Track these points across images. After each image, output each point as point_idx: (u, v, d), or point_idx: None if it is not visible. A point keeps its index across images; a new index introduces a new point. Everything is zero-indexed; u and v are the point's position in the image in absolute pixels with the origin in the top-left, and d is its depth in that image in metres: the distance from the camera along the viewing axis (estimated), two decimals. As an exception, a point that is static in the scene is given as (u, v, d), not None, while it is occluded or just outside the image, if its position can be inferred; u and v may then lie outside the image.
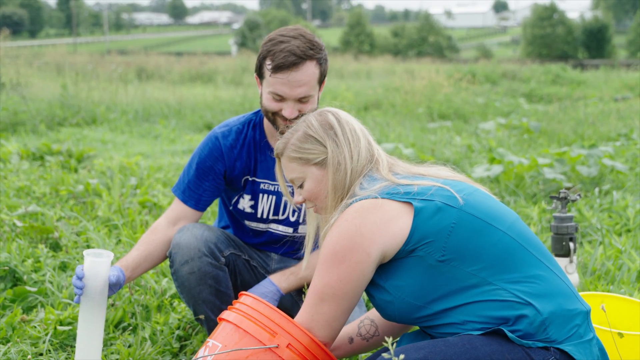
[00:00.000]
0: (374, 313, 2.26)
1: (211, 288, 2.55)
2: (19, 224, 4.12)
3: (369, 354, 2.57)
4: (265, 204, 2.70)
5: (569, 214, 3.04)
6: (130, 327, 2.98)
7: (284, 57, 2.41)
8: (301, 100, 2.46)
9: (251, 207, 2.71)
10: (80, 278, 2.27)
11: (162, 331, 2.90)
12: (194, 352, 2.81)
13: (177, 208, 2.68)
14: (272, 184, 2.69)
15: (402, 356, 1.67)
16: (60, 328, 2.82)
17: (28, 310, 3.16)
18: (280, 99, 2.47)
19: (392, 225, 1.86)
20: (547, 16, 43.65)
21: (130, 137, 9.42)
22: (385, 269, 1.91)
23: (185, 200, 2.68)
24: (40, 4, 78.99)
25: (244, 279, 2.74)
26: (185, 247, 2.53)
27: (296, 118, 2.42)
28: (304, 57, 2.43)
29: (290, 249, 2.79)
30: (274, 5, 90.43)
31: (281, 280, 2.62)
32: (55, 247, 4.00)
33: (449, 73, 19.05)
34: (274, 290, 2.60)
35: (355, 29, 47.57)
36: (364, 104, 13.49)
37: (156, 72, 20.74)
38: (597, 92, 16.72)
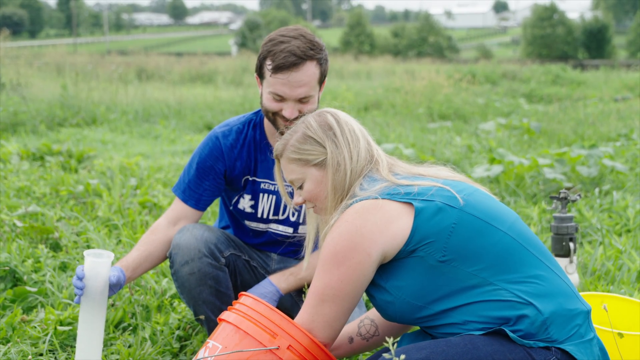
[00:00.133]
0: (374, 313, 2.26)
1: (211, 288, 2.55)
2: (19, 224, 4.12)
3: (369, 353, 2.57)
4: (265, 204, 2.70)
5: (569, 214, 3.04)
6: (131, 327, 2.98)
7: (284, 58, 2.41)
8: (301, 100, 2.46)
9: (251, 207, 2.71)
10: (80, 278, 2.27)
11: (162, 331, 2.90)
12: (194, 353, 2.81)
13: (178, 208, 2.68)
14: (273, 184, 2.69)
15: (403, 356, 1.67)
16: (60, 328, 2.82)
17: (28, 310, 3.16)
18: (281, 99, 2.46)
19: (393, 226, 1.86)
20: (547, 16, 43.66)
21: (131, 138, 9.42)
22: (385, 269, 1.91)
23: (185, 200, 2.68)
24: (40, 5, 79.01)
25: (244, 279, 2.74)
26: (186, 248, 2.53)
27: (296, 118, 2.42)
28: (304, 58, 2.43)
29: (291, 249, 2.78)
30: (274, 5, 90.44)
31: (281, 280, 2.62)
32: (56, 247, 4.00)
33: (449, 73, 19.06)
34: (273, 291, 2.60)
35: (355, 29, 47.57)
36: (364, 104, 13.49)
37: (156, 72, 20.74)
38: (597, 93, 16.72)
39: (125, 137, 9.39)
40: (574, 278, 3.01)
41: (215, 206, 4.71)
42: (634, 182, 5.72)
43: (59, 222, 4.32)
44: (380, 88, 16.29)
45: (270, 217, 2.72)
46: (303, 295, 2.59)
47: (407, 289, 1.89)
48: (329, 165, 2.00)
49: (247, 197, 2.70)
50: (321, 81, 2.52)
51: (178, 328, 2.96)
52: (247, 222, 2.75)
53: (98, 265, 2.29)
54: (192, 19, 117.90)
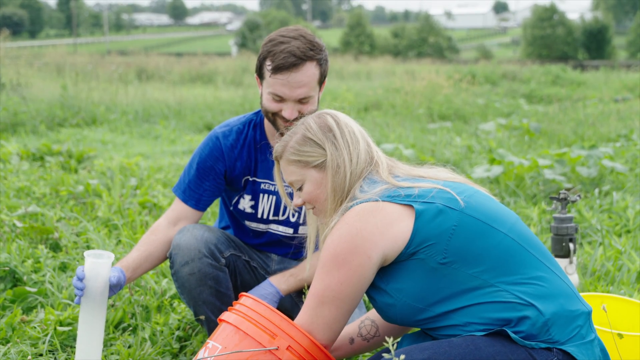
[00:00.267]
0: (374, 313, 2.26)
1: (211, 289, 2.55)
2: (19, 224, 4.12)
3: (369, 354, 2.58)
4: (265, 204, 2.70)
5: (568, 215, 3.04)
6: (130, 328, 2.98)
7: (284, 58, 2.41)
8: (301, 101, 2.46)
9: (251, 207, 2.71)
10: (80, 279, 2.27)
11: (162, 332, 2.90)
12: (193, 353, 2.81)
13: (178, 208, 2.68)
14: (273, 184, 2.69)
15: (403, 356, 1.67)
16: (60, 329, 2.82)
17: (28, 310, 3.16)
18: (280, 99, 2.46)
19: (393, 228, 1.86)
20: (547, 17, 43.68)
21: (131, 138, 9.42)
22: (386, 271, 1.91)
23: (185, 200, 2.68)
24: (41, 5, 79.03)
25: (244, 279, 2.74)
26: (186, 248, 2.53)
27: (296, 119, 2.42)
28: (304, 58, 2.43)
29: (291, 250, 2.78)
30: (274, 6, 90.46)
31: (281, 281, 2.62)
32: (55, 247, 4.00)
33: (449, 74, 19.06)
34: (273, 292, 2.60)
35: (355, 29, 47.59)
36: (364, 104, 13.50)
37: (156, 72, 20.74)
38: (597, 93, 16.72)
39: (125, 138, 9.39)
40: (574, 279, 3.01)
41: (215, 206, 4.71)
42: (633, 183, 5.72)
43: (58, 223, 4.32)
44: (380, 88, 16.29)
45: (271, 217, 2.72)
46: (303, 296, 2.59)
47: (408, 292, 1.88)
48: (329, 167, 2.00)
49: (247, 197, 2.70)
50: (321, 82, 2.52)
51: (178, 328, 2.96)
52: (247, 223, 2.75)
53: (98, 266, 2.29)
54: (192, 19, 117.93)
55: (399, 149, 7.16)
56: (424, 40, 46.88)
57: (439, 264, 1.85)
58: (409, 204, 1.88)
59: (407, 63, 30.79)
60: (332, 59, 26.62)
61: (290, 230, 2.74)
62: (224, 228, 2.87)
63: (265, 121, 2.66)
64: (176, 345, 2.84)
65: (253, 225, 2.75)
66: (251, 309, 1.99)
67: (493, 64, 26.05)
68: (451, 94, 14.37)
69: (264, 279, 2.76)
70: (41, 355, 2.72)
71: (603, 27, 42.56)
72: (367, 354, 2.61)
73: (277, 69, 2.42)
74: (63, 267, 3.64)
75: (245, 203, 2.71)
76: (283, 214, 2.71)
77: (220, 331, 2.03)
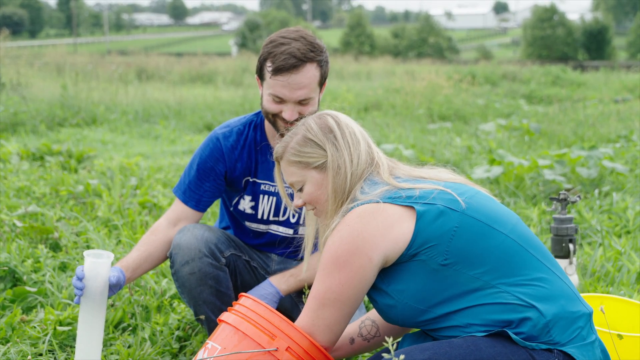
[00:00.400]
0: (374, 314, 2.26)
1: (212, 289, 2.55)
2: (18, 224, 4.12)
3: (369, 354, 2.57)
4: (265, 205, 2.70)
5: (568, 216, 3.04)
6: (130, 328, 2.98)
7: (284, 60, 2.41)
8: (301, 102, 2.46)
9: (252, 208, 2.71)
10: (80, 279, 2.27)
11: (161, 332, 2.90)
12: (193, 353, 2.81)
13: (178, 209, 2.68)
14: (273, 185, 2.68)
15: (402, 357, 1.67)
16: (59, 328, 2.82)
17: (28, 310, 3.16)
18: (280, 101, 2.46)
19: (395, 230, 1.85)
20: (547, 17, 43.68)
21: (130, 138, 9.42)
22: (387, 273, 1.91)
23: (185, 201, 2.68)
24: (41, 4, 79.03)
25: (244, 279, 2.74)
26: (186, 248, 2.53)
27: (296, 120, 2.42)
28: (304, 60, 2.42)
29: (291, 250, 2.78)
30: (275, 6, 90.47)
31: (281, 282, 2.62)
32: (55, 247, 4.00)
33: (449, 74, 19.07)
34: (273, 292, 2.60)
35: (355, 30, 47.59)
36: (364, 105, 13.50)
37: (156, 72, 20.74)
38: (597, 94, 16.72)
39: (125, 138, 9.39)
40: (574, 279, 3.01)
41: (215, 207, 4.71)
42: (633, 184, 5.72)
43: (58, 222, 4.32)
44: (380, 89, 16.29)
45: (271, 218, 2.72)
46: (303, 296, 2.59)
47: (409, 293, 1.88)
48: (330, 168, 1.99)
49: (248, 198, 2.70)
50: (321, 83, 2.52)
51: (178, 328, 2.96)
52: (247, 223, 2.75)
53: (98, 266, 2.29)
54: (192, 19, 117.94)
55: (399, 149, 7.16)
56: (424, 41, 46.89)
57: (440, 265, 1.85)
58: (410, 206, 1.88)
59: (407, 63, 30.79)
60: (332, 59, 26.61)
61: (290, 231, 2.74)
62: (225, 228, 2.87)
63: (266, 122, 2.66)
64: (176, 345, 2.84)
65: (253, 225, 2.75)
66: (250, 310, 1.99)
67: (493, 65, 26.06)
68: (451, 94, 14.38)
69: (264, 279, 2.76)
70: (41, 355, 2.72)
71: (603, 27, 42.57)
72: (367, 354, 2.61)
73: (277, 71, 2.42)
74: (63, 267, 3.64)
75: (246, 204, 2.71)
76: (283, 215, 2.71)
77: (220, 332, 2.03)
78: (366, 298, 3.05)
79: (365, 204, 1.90)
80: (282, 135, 2.35)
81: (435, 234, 1.85)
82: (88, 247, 3.92)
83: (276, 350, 1.90)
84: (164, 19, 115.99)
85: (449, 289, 1.85)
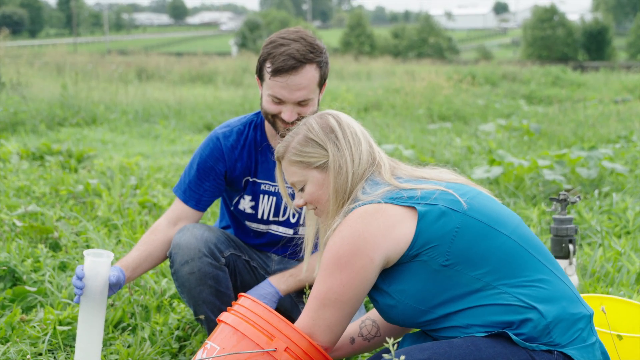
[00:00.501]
0: (375, 313, 2.26)
1: (211, 288, 2.55)
2: (18, 223, 4.12)
3: (368, 354, 2.57)
4: (265, 205, 2.70)
5: (568, 216, 3.04)
6: (130, 328, 2.98)
7: (283, 61, 2.41)
8: (300, 103, 2.46)
9: (252, 207, 2.71)
10: (80, 278, 2.27)
11: (161, 331, 2.90)
12: (193, 353, 2.81)
13: (178, 208, 2.68)
14: (273, 185, 2.69)
15: (403, 357, 1.67)
16: (59, 328, 2.81)
17: (27, 310, 3.16)
18: (280, 101, 2.46)
19: (396, 231, 1.85)
20: (548, 18, 43.68)
21: (130, 138, 9.42)
22: (388, 273, 1.91)
23: (186, 201, 2.68)
24: (41, 4, 79.04)
25: (244, 279, 2.74)
26: (186, 248, 2.53)
27: (296, 121, 2.42)
28: (304, 61, 2.42)
29: (291, 251, 2.78)
30: (275, 6, 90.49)
31: (280, 282, 2.62)
32: (55, 247, 4.00)
33: (449, 74, 19.07)
34: (272, 292, 2.60)
35: (355, 30, 47.59)
36: (364, 105, 13.50)
37: (156, 72, 20.74)
38: (597, 94, 16.73)
39: (125, 137, 9.39)
40: (574, 280, 3.01)
41: (215, 207, 4.71)
42: (633, 184, 5.72)
43: (58, 222, 4.32)
44: (380, 89, 16.29)
45: (271, 218, 2.72)
46: (303, 296, 2.59)
47: (410, 293, 1.88)
48: (331, 168, 1.99)
49: (248, 198, 2.70)
50: (321, 84, 2.52)
51: (177, 328, 2.96)
52: (247, 223, 2.76)
53: (98, 265, 2.29)
54: (192, 19, 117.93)
55: (398, 149, 7.16)
56: (424, 41, 46.88)
57: (442, 266, 1.84)
58: (411, 206, 1.87)
59: (407, 63, 30.79)
60: (332, 59, 26.62)
61: (290, 231, 2.74)
62: (225, 228, 2.87)
63: (266, 122, 2.66)
64: (175, 345, 2.84)
65: (253, 225, 2.75)
66: (249, 310, 1.99)
67: (493, 65, 26.07)
68: (451, 94, 14.38)
69: (264, 278, 2.76)
70: (40, 354, 2.72)
71: (603, 28, 42.57)
72: (367, 354, 2.61)
73: (276, 72, 2.42)
74: (63, 267, 3.64)
75: (246, 203, 2.71)
76: (283, 215, 2.71)
77: (219, 332, 2.03)
78: (367, 298, 3.05)
79: (367, 205, 1.89)
80: (282, 136, 2.35)
81: (436, 235, 1.84)
82: (88, 247, 3.92)
83: (275, 350, 1.90)
84: (164, 18, 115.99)
85: (450, 290, 1.85)
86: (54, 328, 2.83)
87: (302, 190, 2.06)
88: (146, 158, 7.50)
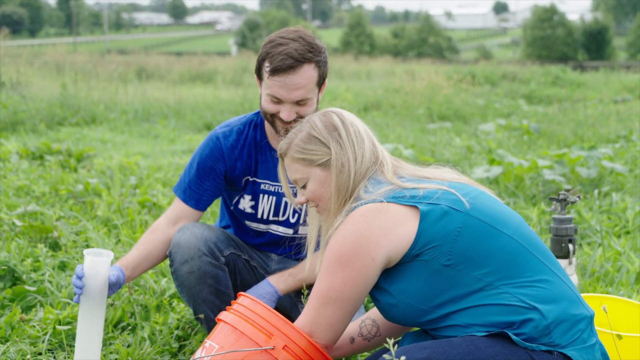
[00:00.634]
0: (375, 313, 2.26)
1: (211, 287, 2.55)
2: (18, 223, 4.12)
3: (368, 354, 2.57)
4: (265, 205, 2.70)
5: (568, 216, 3.04)
6: (130, 327, 2.98)
7: (282, 60, 2.41)
8: (299, 103, 2.46)
9: (252, 207, 2.71)
10: (80, 277, 2.27)
11: (161, 331, 2.90)
12: (193, 352, 2.81)
13: (178, 207, 2.69)
14: (273, 185, 2.69)
15: (403, 358, 1.67)
16: (59, 327, 2.81)
17: (27, 309, 3.16)
18: (278, 101, 2.47)
19: (398, 230, 1.85)
20: (547, 18, 43.68)
21: (130, 137, 9.42)
22: (390, 272, 1.91)
23: (185, 200, 2.68)
24: (40, 3, 79.03)
25: (243, 278, 2.74)
26: (185, 247, 2.53)
27: (295, 120, 2.43)
28: (302, 61, 2.42)
29: (291, 250, 2.79)
30: (274, 5, 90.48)
31: (279, 281, 2.62)
32: (55, 246, 4.00)
33: (449, 74, 19.06)
34: (271, 292, 2.60)
35: (355, 29, 47.58)
36: (363, 104, 13.50)
37: (156, 72, 20.74)
38: (596, 94, 16.72)
39: (125, 137, 9.39)
40: (573, 279, 3.01)
41: (215, 206, 4.71)
42: (633, 184, 5.72)
43: (58, 222, 4.32)
44: (380, 89, 16.29)
45: (271, 218, 2.72)
46: (302, 296, 2.59)
47: (411, 293, 1.88)
48: (333, 166, 1.99)
49: (248, 197, 2.70)
50: (320, 83, 2.52)
51: (177, 328, 2.96)
52: (247, 223, 2.76)
53: (97, 265, 2.29)
54: (192, 19, 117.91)
55: (398, 149, 7.16)
56: (424, 41, 46.87)
57: (443, 265, 1.84)
58: (414, 205, 1.87)
59: (407, 63, 30.79)
60: (332, 58, 26.62)
61: (290, 231, 2.74)
62: (225, 227, 2.87)
63: (266, 122, 2.66)
64: (175, 345, 2.84)
65: (253, 225, 2.75)
66: (248, 309, 1.99)
67: (493, 65, 26.06)
68: (451, 94, 14.37)
69: (264, 278, 2.76)
70: (40, 354, 2.72)
71: (603, 28, 42.57)
72: (365, 353, 2.61)
73: (274, 71, 2.42)
74: (62, 266, 3.64)
75: (246, 203, 2.71)
76: (283, 215, 2.71)
77: (218, 331, 2.03)
78: (367, 297, 3.04)
79: (369, 203, 1.89)
80: (286, 132, 2.36)
81: (438, 234, 1.84)
82: (87, 246, 3.92)
83: (273, 348, 1.90)
84: (164, 18, 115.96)
85: (451, 290, 1.85)
86: (54, 328, 2.83)
87: (304, 187, 2.06)
88: (146, 157, 7.50)
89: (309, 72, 2.45)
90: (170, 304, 3.14)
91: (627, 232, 4.50)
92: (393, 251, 1.85)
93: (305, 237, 2.70)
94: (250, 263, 2.75)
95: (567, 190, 5.51)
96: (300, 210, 2.71)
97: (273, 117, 2.51)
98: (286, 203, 2.70)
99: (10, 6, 67.59)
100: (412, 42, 47.11)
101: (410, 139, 8.69)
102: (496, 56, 43.28)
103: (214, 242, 2.58)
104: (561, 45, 42.81)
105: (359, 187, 1.97)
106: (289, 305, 2.77)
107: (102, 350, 2.73)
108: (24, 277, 3.37)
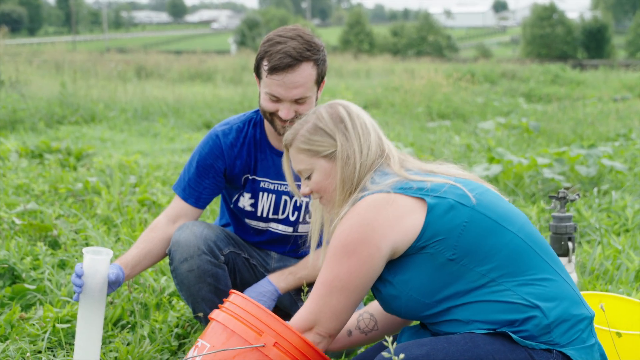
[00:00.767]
0: (373, 307, 2.26)
1: (210, 286, 2.55)
2: (17, 221, 4.12)
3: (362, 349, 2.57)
4: (265, 203, 2.70)
5: (567, 214, 3.04)
6: (129, 325, 2.98)
7: (280, 59, 2.41)
8: (298, 101, 2.46)
9: (251, 205, 2.71)
10: (79, 276, 2.27)
11: (160, 329, 2.90)
12: (192, 351, 2.81)
13: (177, 206, 2.68)
14: (272, 183, 2.68)
15: (402, 355, 1.67)
16: (58, 326, 2.81)
17: (27, 308, 3.16)
18: (277, 99, 2.47)
19: (405, 221, 1.85)
20: (547, 16, 43.66)
21: (129, 136, 9.42)
22: (394, 264, 1.90)
23: (185, 198, 2.68)
24: (40, 2, 78.92)
25: (243, 277, 2.74)
26: (185, 245, 2.53)
27: (293, 119, 2.43)
28: (300, 59, 2.42)
29: (291, 248, 2.79)
30: (274, 4, 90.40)
31: (279, 280, 2.62)
32: (54, 245, 4.00)
33: (448, 72, 19.06)
34: (272, 290, 2.60)
35: (354, 28, 47.56)
36: (363, 103, 13.48)
37: (155, 70, 20.74)
38: (596, 92, 16.72)
39: (124, 135, 9.39)
40: (573, 277, 3.00)
41: (214, 204, 4.71)
42: (632, 182, 5.72)
43: (57, 220, 4.32)
44: (380, 87, 16.29)
45: (270, 216, 2.72)
46: (302, 294, 2.59)
47: (414, 285, 1.88)
48: (339, 158, 1.99)
49: (247, 195, 2.70)
50: (319, 82, 2.52)
51: (177, 326, 2.96)
52: (247, 221, 2.76)
53: (97, 263, 2.29)
54: (192, 17, 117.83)
55: (398, 147, 7.15)
56: (423, 39, 46.85)
57: (448, 260, 1.84)
58: (421, 197, 1.87)
59: (406, 62, 30.79)
60: (332, 57, 26.61)
61: (290, 229, 2.74)
62: (225, 225, 2.87)
63: (265, 120, 2.66)
64: (175, 343, 2.84)
65: (253, 223, 2.75)
66: (239, 307, 1.98)
67: (492, 63, 26.06)
68: (450, 92, 14.37)
69: (264, 276, 2.76)
70: (40, 352, 2.72)
71: (602, 26, 42.55)
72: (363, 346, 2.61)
73: (272, 70, 2.42)
74: (62, 265, 3.64)
75: (245, 201, 2.71)
76: (282, 213, 2.71)
77: (210, 329, 2.03)
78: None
79: (376, 194, 1.89)
80: (285, 130, 2.35)
81: (444, 228, 1.84)
82: (87, 245, 3.92)
83: (263, 346, 1.89)
84: (163, 16, 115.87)
85: (454, 284, 1.85)
86: (53, 326, 2.83)
87: (308, 178, 2.05)
88: (145, 156, 7.50)
89: (307, 71, 2.44)
90: (170, 302, 3.14)
91: (627, 230, 4.51)
92: (399, 242, 1.85)
93: (305, 235, 2.71)
94: (249, 261, 2.75)
95: (567, 189, 5.51)
96: (300, 208, 2.71)
97: (272, 116, 2.51)
98: (286, 201, 2.70)
99: (10, 5, 67.53)
100: (412, 40, 47.09)
101: (410, 137, 8.69)
102: (495, 54, 43.29)
103: (213, 240, 2.58)
104: (560, 44, 42.79)
105: (365, 179, 1.97)
106: (289, 303, 2.77)
107: (101, 348, 2.73)
108: (24, 275, 3.37)
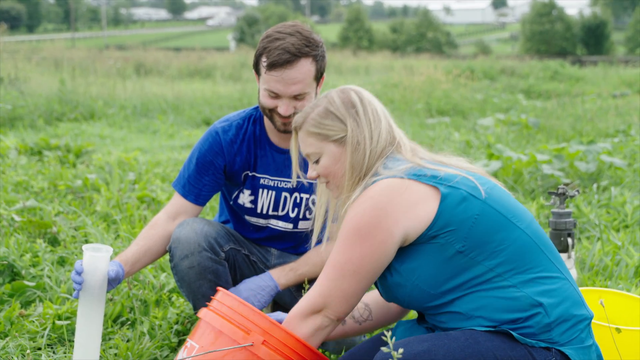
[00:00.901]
0: (368, 297, 2.25)
1: (211, 282, 2.55)
2: (17, 218, 4.12)
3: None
4: (265, 200, 2.70)
5: (567, 210, 3.04)
6: (129, 322, 2.98)
7: (278, 55, 2.41)
8: (297, 97, 2.46)
9: (251, 202, 2.71)
10: (79, 273, 2.27)
11: (160, 326, 2.91)
12: (192, 347, 2.81)
13: (177, 202, 2.68)
14: (272, 179, 2.68)
15: (401, 350, 1.67)
16: (58, 323, 2.82)
17: (26, 304, 3.16)
18: (276, 96, 2.46)
19: (418, 208, 1.84)
20: (546, 12, 43.66)
21: (129, 132, 9.42)
22: (402, 252, 1.89)
23: (185, 195, 2.67)
24: (38, -1, 78.80)
25: (243, 273, 2.74)
26: (185, 242, 2.53)
27: (292, 115, 2.43)
28: (299, 55, 2.42)
29: (291, 245, 2.79)
30: (273, 0, 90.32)
31: (280, 275, 2.62)
32: (54, 241, 4.00)
33: (448, 69, 19.06)
34: (272, 286, 2.60)
35: (354, 24, 47.54)
36: (362, 99, 13.47)
37: (154, 67, 20.72)
38: (595, 89, 16.73)
39: (124, 132, 9.39)
40: (572, 273, 3.01)
41: (214, 201, 4.71)
42: (632, 178, 5.72)
43: (57, 217, 4.32)
44: (379, 84, 16.28)
45: (270, 212, 2.72)
46: (303, 290, 2.59)
47: (421, 275, 1.87)
48: (349, 144, 1.97)
49: (247, 192, 2.70)
50: (318, 78, 2.52)
51: (176, 322, 2.96)
52: (247, 217, 2.75)
53: (97, 260, 2.29)
54: (191, 14, 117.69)
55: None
56: (423, 36, 46.84)
57: (457, 251, 1.83)
58: (434, 186, 1.86)
59: (405, 58, 30.76)
60: (331, 54, 26.58)
61: (290, 226, 2.74)
62: (224, 222, 2.86)
63: (265, 116, 2.66)
64: (175, 339, 2.84)
65: (253, 219, 2.75)
66: (224, 305, 1.96)
67: (491, 60, 26.03)
68: (450, 89, 14.37)
69: (264, 273, 2.75)
70: (40, 349, 2.72)
71: (602, 22, 42.56)
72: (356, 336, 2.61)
73: (271, 66, 2.42)
74: (61, 262, 3.64)
75: (245, 198, 2.71)
76: (282, 210, 2.71)
77: (198, 329, 2.01)
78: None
79: (390, 178, 1.88)
80: (280, 131, 2.34)
81: (457, 219, 1.83)
82: (87, 242, 3.92)
83: (252, 345, 1.88)
84: (162, 13, 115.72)
85: (460, 276, 1.84)
86: (53, 323, 2.83)
87: (316, 162, 2.04)
88: (145, 153, 7.50)
89: (306, 67, 2.44)
90: (170, 299, 3.14)
91: (626, 226, 4.51)
92: (411, 229, 1.84)
93: (305, 232, 2.71)
94: (250, 258, 2.75)
95: (566, 185, 5.51)
96: (300, 205, 2.70)
97: (271, 112, 2.51)
98: (286, 198, 2.70)
99: (8, 2, 67.42)
100: (411, 37, 47.08)
101: (409, 134, 8.67)
102: (495, 51, 43.25)
103: (213, 237, 2.58)
104: (560, 40, 42.80)
105: (376, 165, 1.95)
106: (289, 299, 2.77)
107: (101, 345, 2.73)
108: (23, 272, 3.38)
